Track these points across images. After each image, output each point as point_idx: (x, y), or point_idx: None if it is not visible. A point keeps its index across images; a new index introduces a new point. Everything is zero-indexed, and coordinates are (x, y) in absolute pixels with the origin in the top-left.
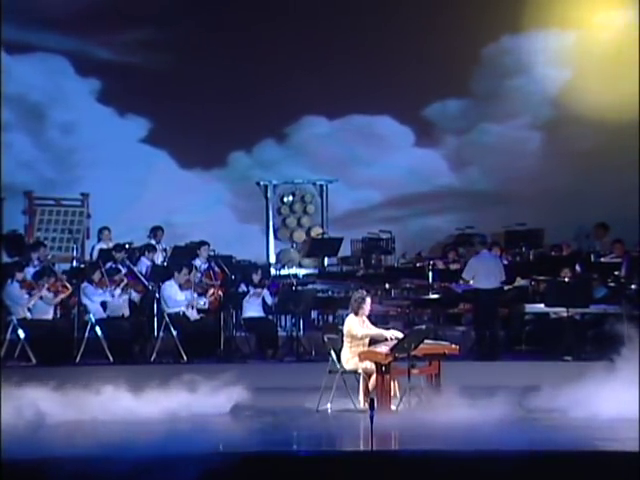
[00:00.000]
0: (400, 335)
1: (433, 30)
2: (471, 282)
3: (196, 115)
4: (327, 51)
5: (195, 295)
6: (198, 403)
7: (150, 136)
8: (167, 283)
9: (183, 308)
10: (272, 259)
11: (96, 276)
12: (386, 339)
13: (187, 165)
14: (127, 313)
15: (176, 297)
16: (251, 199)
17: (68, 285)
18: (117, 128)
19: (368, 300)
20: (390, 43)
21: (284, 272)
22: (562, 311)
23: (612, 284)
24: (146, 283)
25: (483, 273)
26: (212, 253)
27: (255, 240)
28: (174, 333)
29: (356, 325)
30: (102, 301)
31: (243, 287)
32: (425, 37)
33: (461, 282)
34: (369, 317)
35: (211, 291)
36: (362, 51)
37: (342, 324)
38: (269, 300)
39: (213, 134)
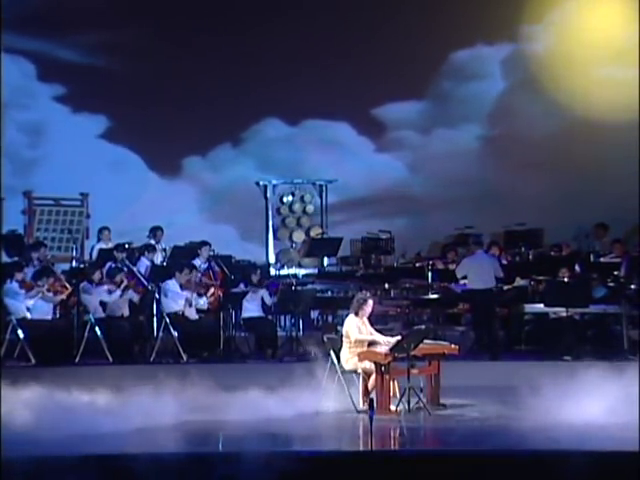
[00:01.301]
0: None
1: (401, 33)
2: (465, 282)
3: (157, 117)
4: (286, 55)
5: (195, 295)
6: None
7: (113, 136)
8: (168, 282)
9: (183, 308)
10: (272, 259)
11: (96, 276)
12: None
13: (153, 167)
14: (127, 313)
15: (176, 297)
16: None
17: (67, 285)
18: (77, 128)
19: (370, 302)
20: (354, 46)
21: (284, 272)
22: (561, 311)
23: (611, 284)
24: (146, 283)
25: (477, 273)
26: (212, 253)
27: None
28: (174, 333)
29: (354, 328)
30: (101, 300)
31: (242, 287)
32: (392, 40)
33: (460, 282)
34: (369, 317)
35: (212, 291)
36: (323, 55)
37: (342, 324)
38: (268, 300)
39: (171, 137)
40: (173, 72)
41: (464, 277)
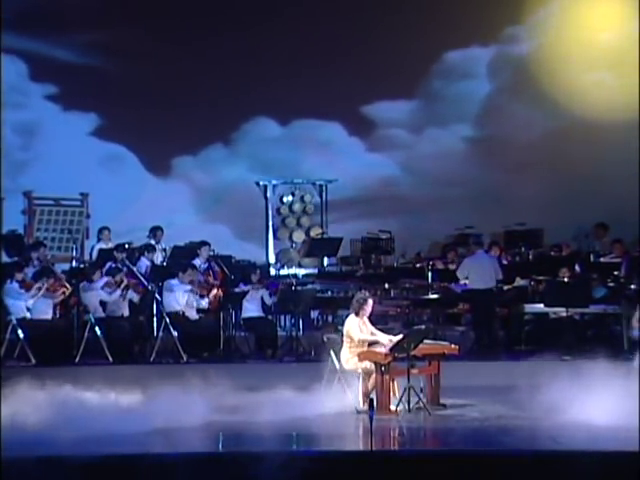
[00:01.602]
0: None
1: (395, 33)
2: (465, 282)
3: (151, 117)
4: (281, 55)
5: (197, 296)
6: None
7: (106, 135)
8: (172, 282)
9: (184, 308)
10: (272, 259)
11: (96, 276)
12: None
13: (148, 167)
14: (127, 313)
15: (179, 297)
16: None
17: (67, 285)
18: (69, 127)
19: (370, 302)
20: (346, 45)
21: (284, 272)
22: (561, 311)
23: (611, 284)
24: (145, 283)
25: (478, 273)
26: (211, 253)
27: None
28: (174, 333)
29: (355, 328)
30: (101, 300)
31: (242, 287)
32: (386, 39)
33: (461, 282)
34: (369, 317)
35: (214, 291)
36: (316, 54)
37: (342, 324)
38: (268, 300)
39: (163, 137)
40: (167, 72)
41: (466, 277)
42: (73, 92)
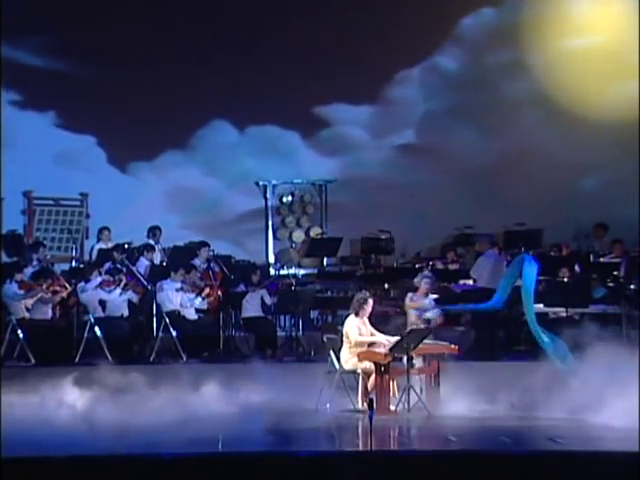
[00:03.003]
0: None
1: (361, 36)
2: (467, 281)
3: (114, 118)
4: (239, 58)
5: (192, 295)
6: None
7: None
8: (162, 282)
9: (180, 307)
10: (271, 259)
11: (94, 276)
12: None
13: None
14: (126, 313)
15: (172, 297)
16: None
17: (67, 285)
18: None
19: (370, 302)
20: (302, 49)
21: (283, 272)
22: (561, 311)
23: (611, 284)
24: (145, 283)
25: (491, 272)
26: (211, 253)
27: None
28: (173, 333)
29: (354, 329)
30: (100, 299)
31: (242, 287)
32: (345, 43)
33: (469, 281)
34: (369, 317)
35: (207, 291)
36: (274, 58)
37: (342, 324)
38: (267, 300)
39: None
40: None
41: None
42: (34, 94)
